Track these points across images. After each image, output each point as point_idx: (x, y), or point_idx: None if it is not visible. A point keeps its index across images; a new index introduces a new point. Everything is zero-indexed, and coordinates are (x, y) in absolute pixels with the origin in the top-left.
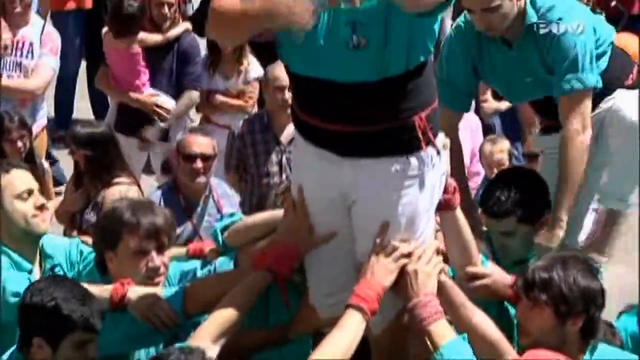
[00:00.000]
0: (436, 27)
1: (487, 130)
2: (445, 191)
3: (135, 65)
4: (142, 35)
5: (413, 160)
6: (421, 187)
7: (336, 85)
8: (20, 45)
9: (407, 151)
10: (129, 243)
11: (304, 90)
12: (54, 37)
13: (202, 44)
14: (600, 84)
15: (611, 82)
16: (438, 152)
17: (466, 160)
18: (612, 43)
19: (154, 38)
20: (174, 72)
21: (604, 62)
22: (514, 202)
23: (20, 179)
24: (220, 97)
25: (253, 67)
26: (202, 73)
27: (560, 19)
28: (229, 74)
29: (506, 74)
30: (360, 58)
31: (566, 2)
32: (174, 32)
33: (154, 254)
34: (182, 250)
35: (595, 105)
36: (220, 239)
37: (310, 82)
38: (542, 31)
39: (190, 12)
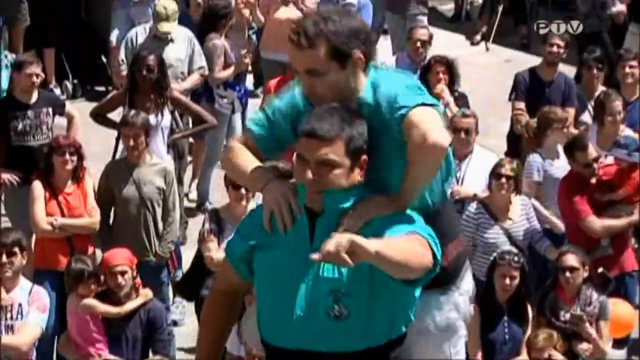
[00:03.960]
0: (417, 293)
1: None
2: None
3: (90, 332)
4: (93, 302)
5: None
6: None
7: (313, 355)
8: (9, 308)
9: None
10: None
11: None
12: (42, 295)
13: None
14: (427, 101)
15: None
16: None
17: None
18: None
19: (110, 310)
20: (138, 340)
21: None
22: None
23: None
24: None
25: None
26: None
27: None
28: None
29: None
30: (340, 328)
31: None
32: (130, 305)
33: None
34: None
35: None
36: None
37: (287, 354)
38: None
39: (178, 277)
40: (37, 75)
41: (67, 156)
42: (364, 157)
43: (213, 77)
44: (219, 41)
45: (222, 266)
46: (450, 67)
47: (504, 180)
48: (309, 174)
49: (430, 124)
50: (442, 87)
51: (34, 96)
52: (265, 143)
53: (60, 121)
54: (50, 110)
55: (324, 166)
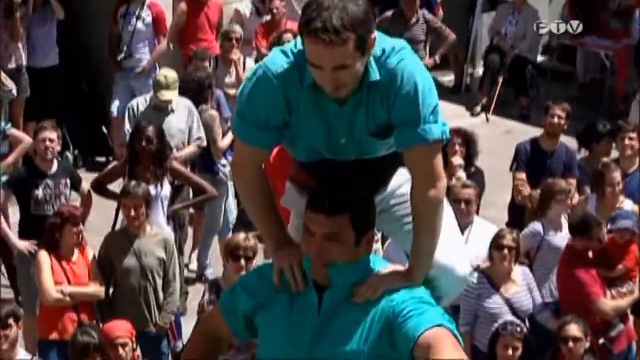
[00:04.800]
0: None
1: None
2: None
3: None
4: None
5: None
6: None
7: None
8: None
9: None
10: None
11: None
12: None
13: None
14: (447, 135)
15: None
16: None
17: None
18: None
19: None
20: None
21: None
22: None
23: None
24: None
25: None
26: None
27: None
28: None
29: (326, 129)
30: None
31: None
32: None
33: None
34: None
35: None
36: None
37: None
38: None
39: (179, 348)
40: (51, 141)
41: (78, 227)
42: (371, 231)
43: (218, 147)
44: (215, 112)
45: (211, 318)
46: (468, 141)
47: (506, 251)
48: (314, 247)
49: (439, 172)
50: (459, 162)
51: (54, 166)
52: (270, 142)
53: (74, 196)
54: (68, 182)
55: (329, 240)
